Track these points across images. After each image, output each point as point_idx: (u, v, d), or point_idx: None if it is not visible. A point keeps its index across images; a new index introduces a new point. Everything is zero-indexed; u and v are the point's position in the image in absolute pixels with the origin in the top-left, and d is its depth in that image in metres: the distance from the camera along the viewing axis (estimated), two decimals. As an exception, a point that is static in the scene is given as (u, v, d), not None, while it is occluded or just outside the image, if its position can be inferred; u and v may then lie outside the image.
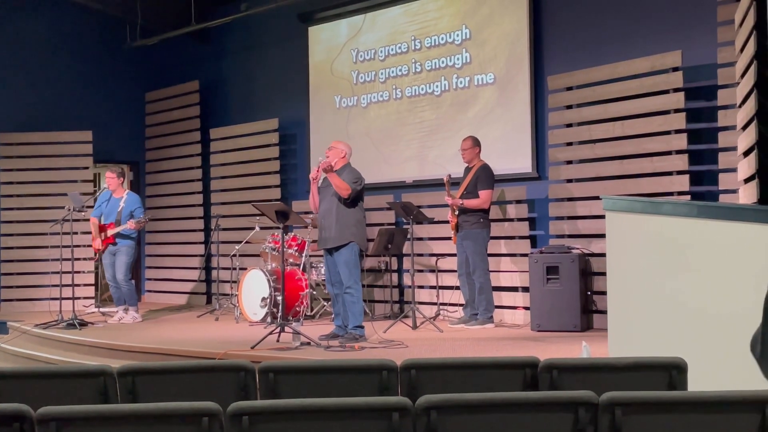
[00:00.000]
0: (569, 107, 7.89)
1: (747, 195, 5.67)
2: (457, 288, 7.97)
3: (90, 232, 8.93)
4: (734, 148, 6.40)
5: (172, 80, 11.33)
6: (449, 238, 7.90)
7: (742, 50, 5.95)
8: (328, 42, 10.00)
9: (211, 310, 9.38)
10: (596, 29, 7.86)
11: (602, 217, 5.21)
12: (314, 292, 8.68)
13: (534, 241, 8.14)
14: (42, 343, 7.98)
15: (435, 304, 8.39)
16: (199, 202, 10.97)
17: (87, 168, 10.61)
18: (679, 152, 7.09)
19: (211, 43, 11.27)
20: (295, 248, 8.50)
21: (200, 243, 10.89)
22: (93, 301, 10.32)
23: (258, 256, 9.39)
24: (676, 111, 7.12)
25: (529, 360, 3.18)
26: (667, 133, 7.16)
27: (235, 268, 9.24)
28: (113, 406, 2.86)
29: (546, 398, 2.63)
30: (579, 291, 7.19)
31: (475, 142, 7.71)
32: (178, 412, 2.47)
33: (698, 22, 7.14)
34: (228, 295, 9.50)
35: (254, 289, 8.36)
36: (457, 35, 8.80)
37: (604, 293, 6.40)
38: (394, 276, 8.98)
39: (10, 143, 10.46)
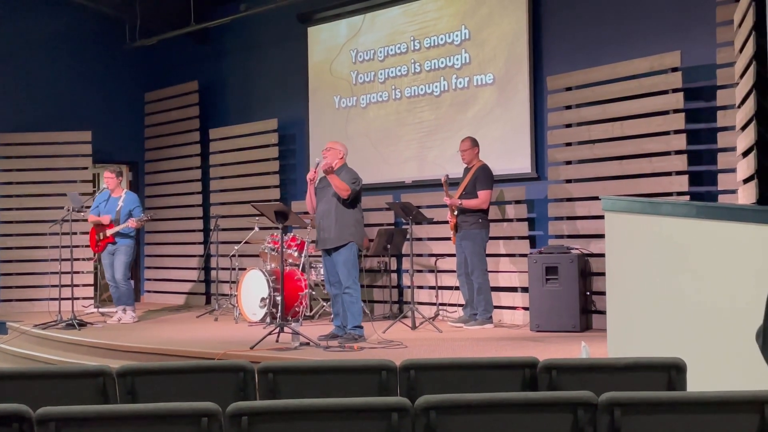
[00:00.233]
0: (568, 107, 7.89)
1: (746, 195, 5.67)
2: (457, 288, 7.97)
3: (89, 232, 8.92)
4: (733, 149, 6.40)
5: (172, 80, 11.33)
6: (448, 239, 7.90)
7: (741, 51, 5.95)
8: (328, 42, 10.00)
9: (210, 311, 9.38)
10: (595, 30, 7.87)
11: (601, 217, 5.22)
12: (313, 293, 8.68)
13: (533, 241, 8.14)
14: (41, 344, 7.97)
15: (434, 304, 8.40)
16: (199, 203, 10.97)
17: (86, 168, 10.61)
18: (678, 153, 7.10)
19: (211, 44, 11.27)
20: (295, 248, 8.50)
21: (199, 243, 10.89)
22: (92, 301, 10.32)
23: (257, 256, 9.39)
24: (676, 111, 7.12)
25: (528, 360, 3.18)
26: (667, 133, 7.16)
27: (234, 269, 9.24)
28: (112, 407, 2.86)
29: (545, 398, 2.63)
30: (578, 291, 7.19)
31: (474, 143, 7.72)
32: (177, 412, 2.47)
33: (697, 23, 7.14)
34: (227, 295, 9.50)
35: (253, 289, 8.36)
36: (457, 36, 8.80)
37: (603, 293, 6.39)
38: (394, 276, 8.98)
39: (9, 143, 10.46)
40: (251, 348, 6.30)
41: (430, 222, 8.34)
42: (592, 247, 7.43)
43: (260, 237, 9.06)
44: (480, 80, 8.59)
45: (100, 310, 9.57)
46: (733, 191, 6.43)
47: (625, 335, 4.70)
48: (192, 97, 11.05)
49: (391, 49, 9.38)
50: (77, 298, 9.23)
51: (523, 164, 8.24)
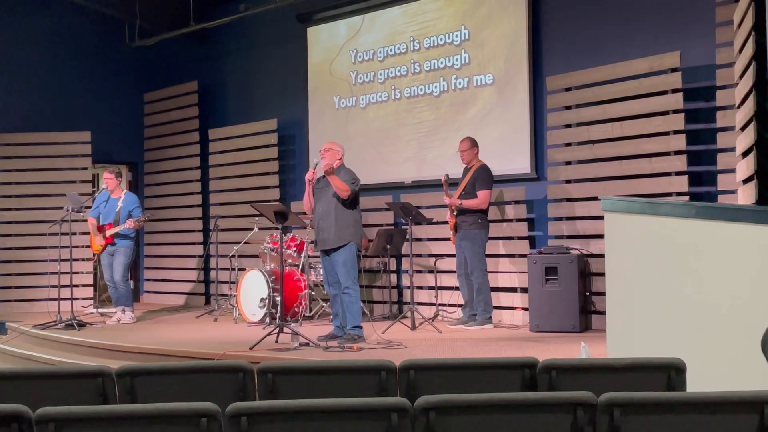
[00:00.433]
0: (568, 108, 7.89)
1: (745, 196, 5.68)
2: (456, 289, 7.97)
3: (88, 233, 8.93)
4: (733, 149, 6.40)
5: (171, 81, 11.33)
6: (448, 239, 7.90)
7: (740, 51, 5.96)
8: (327, 42, 10.00)
9: (209, 311, 9.37)
10: (595, 30, 7.87)
11: (601, 217, 5.22)
12: (313, 293, 8.68)
13: (533, 241, 8.14)
14: (40, 344, 7.97)
15: (434, 304, 8.39)
16: (198, 203, 10.97)
17: (86, 168, 10.61)
18: (677, 153, 7.10)
19: (210, 44, 11.27)
20: (294, 249, 8.50)
21: (199, 243, 10.89)
22: (91, 301, 10.31)
23: (257, 256, 9.39)
24: (675, 112, 7.13)
25: (527, 361, 3.18)
26: (666, 133, 7.16)
27: (233, 269, 9.24)
28: (112, 407, 2.86)
29: (545, 399, 2.63)
30: (578, 292, 7.19)
31: (473, 143, 7.71)
32: (176, 412, 2.47)
33: (697, 23, 7.14)
34: (227, 295, 9.50)
35: (253, 289, 8.36)
36: (456, 36, 8.80)
37: (602, 294, 6.39)
38: (393, 277, 8.98)
39: (8, 144, 10.45)
40: (251, 348, 6.30)
41: (430, 222, 8.34)
42: (592, 248, 7.43)
43: (260, 237, 9.06)
44: (479, 80, 8.59)
45: (100, 310, 9.56)
46: (733, 192, 6.43)
47: (625, 335, 4.70)
48: (191, 97, 11.04)
49: (391, 50, 9.38)
50: (76, 299, 9.23)
51: (522, 164, 8.24)
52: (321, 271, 7.47)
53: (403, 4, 9.26)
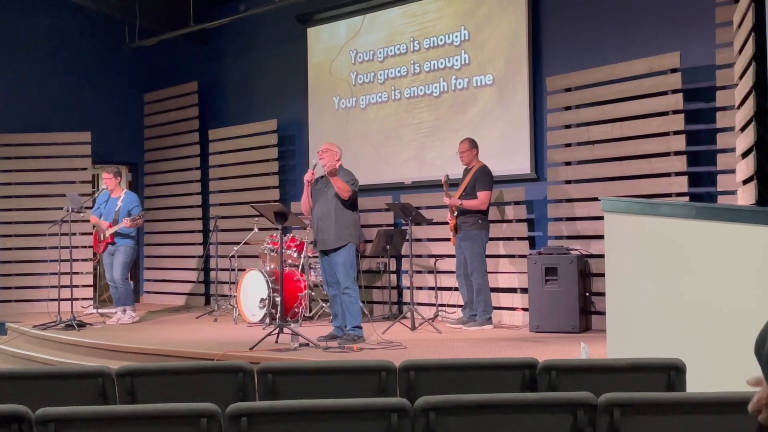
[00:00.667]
0: (568, 108, 7.90)
1: (745, 196, 5.68)
2: (456, 289, 7.97)
3: (91, 233, 8.92)
4: (733, 150, 6.40)
5: (171, 81, 11.33)
6: (448, 240, 7.90)
7: (740, 51, 5.96)
8: (327, 43, 10.00)
9: (209, 311, 9.37)
10: (595, 30, 7.87)
11: (601, 218, 5.22)
12: (313, 293, 8.68)
13: (533, 242, 8.14)
14: (40, 344, 7.97)
15: (434, 305, 8.39)
16: (198, 203, 10.97)
17: (85, 169, 10.61)
18: (677, 153, 7.10)
19: (210, 44, 11.27)
20: (294, 249, 8.50)
21: (199, 244, 10.89)
22: (91, 302, 10.32)
23: (257, 257, 9.39)
24: (675, 112, 7.13)
25: (527, 361, 3.18)
26: (666, 134, 7.16)
27: (233, 269, 9.24)
28: (112, 407, 2.86)
29: (545, 399, 2.63)
30: (577, 292, 7.20)
31: (472, 144, 7.71)
32: (176, 413, 2.47)
33: (697, 24, 7.14)
34: (227, 296, 9.50)
35: (253, 290, 8.36)
36: (456, 36, 8.80)
37: (602, 294, 6.39)
38: (393, 277, 8.98)
39: (8, 144, 10.46)
40: (251, 349, 6.29)
41: (430, 223, 8.34)
42: (592, 248, 7.43)
43: (260, 238, 9.06)
44: (479, 81, 8.59)
45: (100, 310, 9.56)
46: (733, 192, 6.43)
47: (625, 336, 4.70)
48: (191, 97, 11.05)
49: (391, 50, 9.39)
50: (76, 299, 9.24)
51: (522, 165, 8.24)
52: (320, 272, 7.47)
53: (403, 5, 9.27)
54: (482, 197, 7.49)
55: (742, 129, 5.84)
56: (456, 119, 8.76)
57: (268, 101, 10.57)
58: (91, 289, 10.55)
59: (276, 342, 6.48)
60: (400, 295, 9.11)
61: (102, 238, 8.60)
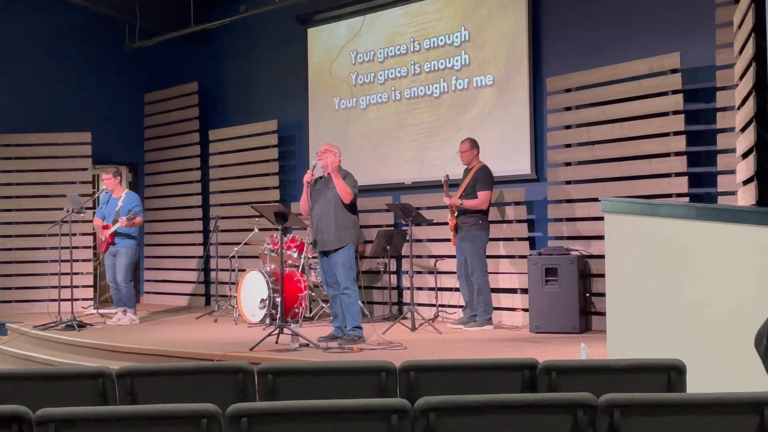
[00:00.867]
0: (568, 109, 7.90)
1: (745, 197, 5.67)
2: (456, 290, 7.97)
3: (91, 234, 8.92)
4: (733, 150, 6.40)
5: (171, 81, 11.33)
6: (448, 240, 7.90)
7: (740, 52, 5.96)
8: (327, 43, 10.00)
9: (210, 312, 9.37)
10: (595, 31, 7.87)
11: (601, 218, 5.22)
12: (313, 294, 8.68)
13: (533, 242, 8.14)
14: (40, 345, 7.97)
15: (434, 305, 8.39)
16: (198, 204, 10.97)
17: (86, 169, 10.61)
18: (677, 154, 7.10)
19: (210, 45, 11.27)
20: (294, 250, 8.50)
21: (199, 244, 10.89)
22: (91, 302, 10.32)
23: (257, 257, 9.39)
24: (675, 113, 7.13)
25: (527, 362, 3.18)
26: (666, 134, 7.16)
27: (234, 270, 9.24)
28: (112, 408, 2.86)
29: (545, 400, 2.63)
30: (578, 293, 7.19)
31: (473, 144, 7.72)
32: (176, 413, 2.47)
33: (697, 24, 7.15)
34: (227, 296, 9.50)
35: (253, 290, 8.36)
36: (456, 37, 8.80)
37: (602, 295, 6.39)
38: (393, 277, 8.98)
39: (8, 144, 10.46)
40: (251, 349, 6.30)
41: (430, 223, 8.33)
42: (592, 249, 7.43)
43: (260, 238, 9.06)
44: (479, 81, 8.60)
45: (100, 311, 9.56)
46: (733, 193, 6.43)
47: (625, 337, 4.70)
48: (192, 98, 11.05)
49: (391, 51, 9.39)
50: (77, 299, 9.23)
51: (522, 165, 8.24)
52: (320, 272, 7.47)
53: (404, 5, 9.27)
54: (483, 197, 7.49)
55: (743, 130, 5.84)
56: (456, 120, 8.76)
57: (268, 102, 10.57)
58: (92, 289, 10.55)
59: (276, 342, 6.49)
60: (400, 295, 9.11)
61: (103, 239, 8.59)
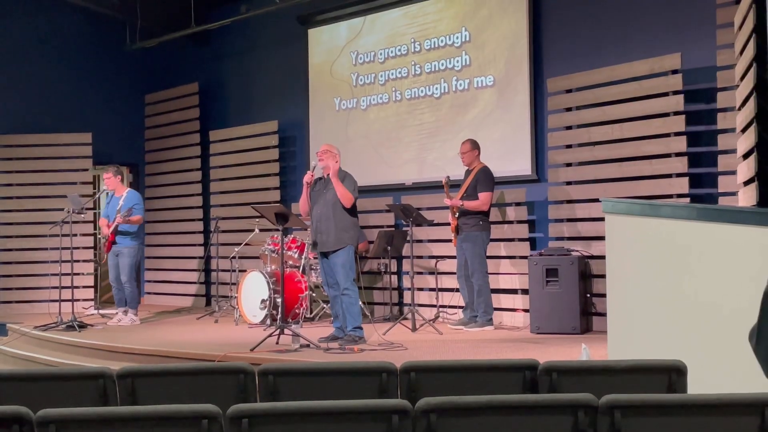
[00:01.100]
0: (568, 109, 7.89)
1: (746, 198, 5.67)
2: (457, 290, 7.97)
3: (91, 234, 8.92)
4: (733, 151, 6.40)
5: (172, 82, 11.34)
6: (449, 241, 7.90)
7: (741, 53, 5.96)
8: (328, 44, 10.01)
9: (210, 312, 9.38)
10: (595, 32, 7.87)
11: (601, 219, 5.22)
12: (314, 294, 8.68)
13: (533, 243, 8.14)
14: (41, 345, 7.97)
15: (434, 306, 8.39)
16: (199, 204, 10.97)
17: (86, 170, 10.61)
18: (678, 155, 7.10)
19: (211, 45, 11.28)
20: (295, 250, 8.50)
21: (200, 245, 10.89)
22: (92, 302, 10.32)
23: (257, 258, 9.39)
24: (676, 113, 7.13)
25: (528, 362, 3.18)
26: (667, 135, 7.16)
27: (234, 270, 9.24)
28: (113, 409, 2.86)
29: (545, 401, 2.63)
30: (578, 293, 7.19)
31: (474, 145, 7.72)
32: (177, 414, 2.47)
33: (697, 25, 7.14)
34: (227, 297, 9.50)
35: (254, 291, 8.36)
36: (457, 37, 8.80)
37: (603, 296, 6.39)
38: (394, 278, 8.98)
39: (9, 145, 10.47)
40: (251, 350, 6.30)
41: (431, 224, 8.34)
42: (593, 249, 7.43)
43: (260, 239, 9.06)
44: (480, 82, 8.60)
45: (101, 311, 9.56)
46: (734, 193, 6.42)
47: (626, 337, 4.70)
48: (192, 98, 11.05)
49: (392, 51, 9.39)
50: (77, 300, 9.23)
51: (523, 166, 8.24)
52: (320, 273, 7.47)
53: (404, 6, 9.27)
54: (484, 198, 7.48)
55: (743, 130, 5.84)
56: (457, 120, 8.76)
57: (268, 102, 10.57)
58: (92, 290, 10.55)
59: (277, 343, 6.48)
60: (400, 296, 9.10)
61: (104, 240, 8.60)
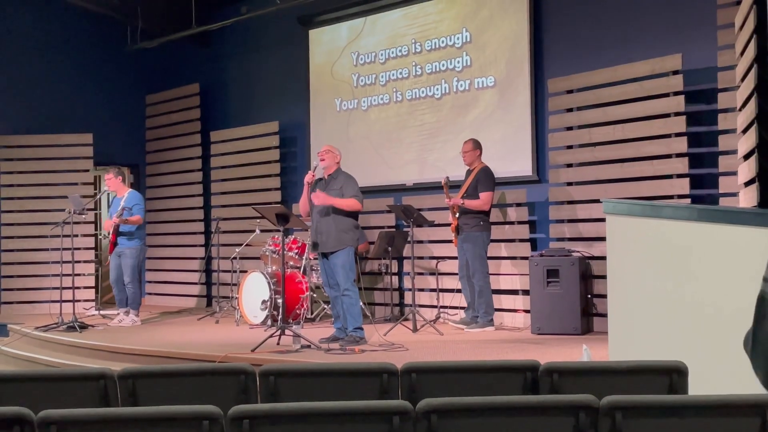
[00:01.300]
0: (569, 110, 7.90)
1: (747, 198, 5.67)
2: (458, 291, 7.97)
3: (92, 235, 8.92)
4: (734, 152, 6.40)
5: (173, 83, 11.34)
6: (450, 241, 7.90)
7: (742, 53, 5.96)
8: (329, 45, 10.01)
9: (211, 313, 9.38)
10: (596, 32, 7.87)
11: (602, 220, 5.21)
12: (314, 295, 8.68)
13: (534, 244, 8.14)
14: (42, 346, 7.97)
15: (435, 307, 8.39)
16: (200, 205, 10.97)
17: (87, 171, 10.62)
18: (679, 155, 7.10)
19: (212, 46, 11.28)
20: (296, 251, 8.50)
21: (200, 246, 10.90)
22: (93, 303, 10.32)
23: (258, 258, 9.39)
24: (677, 114, 7.13)
25: (529, 363, 3.18)
26: (668, 136, 7.16)
27: (235, 271, 9.24)
28: (114, 410, 2.86)
29: (546, 402, 2.63)
30: (579, 294, 7.19)
31: (476, 145, 7.72)
32: (178, 415, 2.47)
33: (698, 25, 7.14)
34: (228, 297, 9.50)
35: (254, 291, 8.36)
36: (458, 38, 8.80)
37: (604, 296, 6.39)
38: (395, 279, 8.98)
39: (10, 146, 10.47)
40: (252, 351, 6.30)
41: (431, 224, 8.33)
42: (594, 250, 7.42)
43: (261, 239, 9.06)
44: (481, 83, 8.60)
45: (102, 312, 9.57)
46: (735, 194, 6.42)
47: (627, 338, 4.69)
48: (193, 99, 11.06)
49: (392, 52, 9.39)
50: (78, 301, 9.24)
51: (524, 167, 8.24)
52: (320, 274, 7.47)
53: (405, 7, 9.27)
54: (484, 198, 7.49)
55: (744, 131, 5.84)
56: (457, 121, 8.76)
57: (269, 103, 10.58)
58: (93, 290, 10.55)
59: (278, 344, 6.48)
60: (401, 296, 9.10)
61: (104, 240, 8.61)
